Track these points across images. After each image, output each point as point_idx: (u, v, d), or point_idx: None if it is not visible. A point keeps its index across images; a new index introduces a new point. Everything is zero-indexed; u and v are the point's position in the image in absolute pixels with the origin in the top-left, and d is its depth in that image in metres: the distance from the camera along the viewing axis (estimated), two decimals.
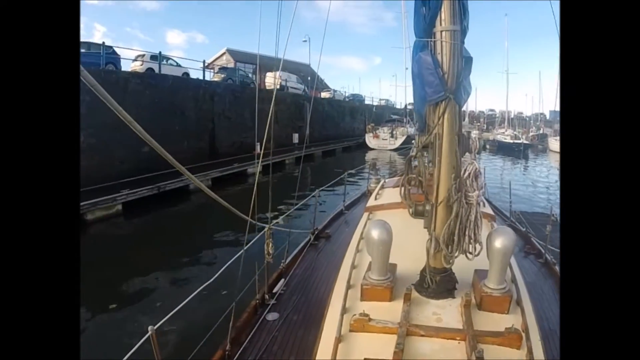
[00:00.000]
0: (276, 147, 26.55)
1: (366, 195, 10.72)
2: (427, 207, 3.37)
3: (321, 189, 8.99)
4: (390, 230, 3.43)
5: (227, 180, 19.81)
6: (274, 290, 5.09)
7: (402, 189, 3.64)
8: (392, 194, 6.69)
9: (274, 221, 5.32)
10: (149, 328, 2.74)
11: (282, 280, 5.44)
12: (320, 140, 36.15)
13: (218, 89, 24.96)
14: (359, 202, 10.22)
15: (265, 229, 4.83)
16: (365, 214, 6.07)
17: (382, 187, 7.73)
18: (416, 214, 3.46)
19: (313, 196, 8.19)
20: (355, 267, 4.12)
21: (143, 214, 14.82)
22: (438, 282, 3.41)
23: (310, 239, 7.04)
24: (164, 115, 20.06)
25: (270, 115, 4.02)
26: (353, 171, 14.30)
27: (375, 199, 6.87)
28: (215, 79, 28.25)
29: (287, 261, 6.00)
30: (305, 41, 46.36)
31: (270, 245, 4.80)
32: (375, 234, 3.38)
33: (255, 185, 4.10)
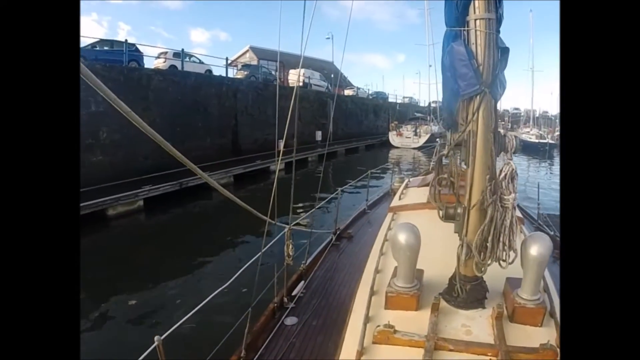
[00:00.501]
0: (299, 144, 26.45)
1: (389, 194, 10.50)
2: (459, 210, 3.10)
3: (343, 187, 8.80)
4: (418, 234, 3.17)
5: (250, 177, 19.74)
6: (294, 293, 4.90)
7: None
8: (417, 194, 6.58)
9: (295, 222, 5.09)
10: (155, 338, 2.60)
11: (302, 282, 5.25)
12: (343, 138, 35.97)
13: (241, 86, 24.86)
14: (382, 202, 10.04)
15: (286, 230, 4.63)
16: (389, 215, 5.75)
17: (407, 187, 7.50)
18: (446, 218, 3.18)
19: (335, 195, 8.01)
20: (379, 271, 3.86)
21: (164, 210, 14.80)
22: (468, 291, 3.15)
23: (332, 239, 6.86)
24: (187, 112, 20.11)
25: (290, 111, 3.82)
26: (376, 170, 14.02)
27: (400, 198, 6.61)
28: (239, 76, 28.20)
29: (308, 262, 5.80)
30: (328, 38, 46.33)
31: (290, 247, 4.61)
32: (402, 237, 3.13)
33: (275, 183, 3.91)
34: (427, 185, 6.40)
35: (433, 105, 52.99)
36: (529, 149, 42.33)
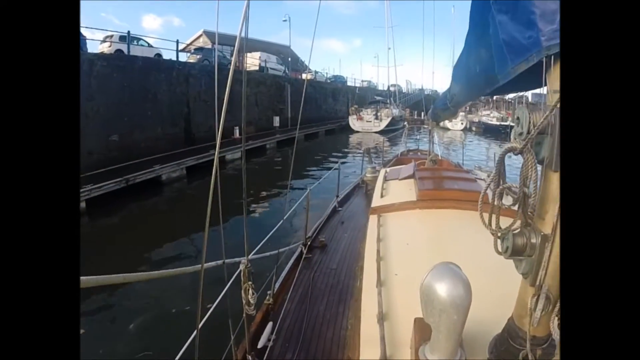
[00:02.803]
0: (257, 130, 25.78)
1: (360, 186, 9.92)
2: (534, 240, 1.84)
3: (311, 187, 7.24)
4: (467, 282, 1.97)
5: (204, 168, 18.02)
6: (260, 345, 3.79)
7: (492, 203, 1.93)
8: (400, 189, 5.52)
9: (254, 251, 3.91)
10: None
11: (270, 324, 4.11)
12: (302, 123, 34.74)
13: (193, 71, 23.47)
14: (354, 196, 9.31)
15: (241, 268, 3.19)
16: (373, 218, 4.49)
17: (385, 179, 6.28)
18: (513, 253, 1.84)
19: (294, 194, 6.73)
20: (385, 318, 2.61)
21: (108, 212, 12.98)
22: (539, 358, 1.99)
23: (302, 251, 5.76)
24: (134, 100, 18.64)
25: (222, 99, 2.69)
26: (339, 155, 13.28)
27: (382, 196, 5.38)
28: (191, 60, 26.83)
29: (276, 289, 4.63)
30: (285, 21, 45.47)
31: (251, 292, 3.14)
32: (443, 290, 1.94)
33: (211, 192, 2.76)
34: (410, 177, 5.78)
35: (392, 88, 53.12)
36: (490, 132, 43.89)
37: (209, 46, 35.52)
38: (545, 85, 1.72)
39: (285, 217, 5.12)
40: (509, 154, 1.78)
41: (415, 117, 50.47)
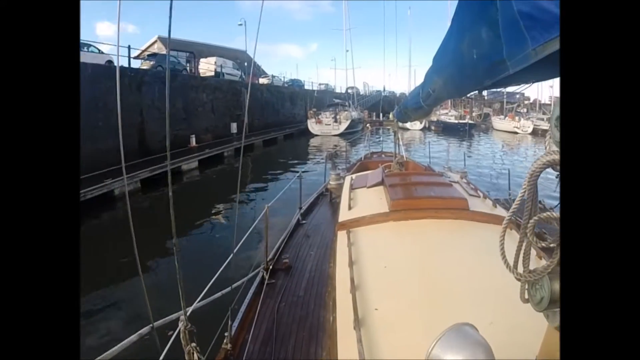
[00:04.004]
0: (214, 138, 25.19)
1: (324, 194, 9.49)
2: None
3: (270, 203, 6.40)
4: (490, 351, 1.63)
5: (159, 180, 17.32)
6: None
7: (521, 239, 1.56)
8: (369, 198, 5.11)
9: (197, 302, 3.29)
10: None
11: None
12: (260, 128, 34.83)
13: (146, 77, 22.56)
14: (318, 206, 8.81)
15: (180, 328, 2.58)
16: (341, 234, 4.09)
17: (352, 188, 5.80)
18: (551, 303, 1.45)
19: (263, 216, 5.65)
20: None
21: None
22: None
23: (264, 277, 5.06)
24: (83, 110, 17.64)
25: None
26: (299, 162, 12.78)
27: (350, 207, 4.89)
28: (144, 67, 26.02)
29: (235, 329, 3.91)
30: (241, 25, 44.92)
31: (196, 357, 2.51)
32: None
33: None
34: (379, 184, 5.41)
35: (350, 91, 53.36)
36: (449, 130, 44.83)
37: (164, 52, 34.71)
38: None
39: (235, 251, 4.07)
40: (546, 170, 1.36)
41: (374, 118, 50.91)
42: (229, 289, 4.14)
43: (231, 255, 4.03)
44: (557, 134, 1.23)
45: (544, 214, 1.45)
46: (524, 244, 1.53)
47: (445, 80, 2.86)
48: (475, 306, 2.60)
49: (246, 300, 4.56)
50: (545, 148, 1.33)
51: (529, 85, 2.21)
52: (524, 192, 1.38)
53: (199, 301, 3.45)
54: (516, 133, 47.51)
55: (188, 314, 2.67)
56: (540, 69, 1.59)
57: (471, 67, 2.06)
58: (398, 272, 3.18)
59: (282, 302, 4.55)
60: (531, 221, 1.45)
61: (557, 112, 1.21)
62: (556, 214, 1.37)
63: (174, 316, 2.82)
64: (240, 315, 4.23)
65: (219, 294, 4.01)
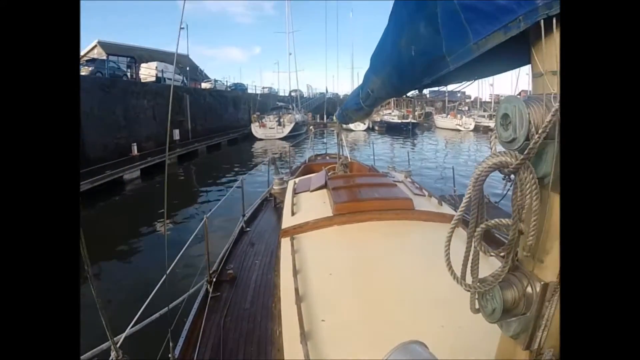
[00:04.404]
0: (156, 146, 24.71)
1: (268, 199, 9.24)
2: (530, 291, 1.40)
3: (211, 212, 6.40)
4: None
5: (100, 192, 16.75)
6: None
7: (468, 249, 1.44)
8: (312, 202, 4.99)
9: (123, 334, 3.07)
10: None
11: None
12: (203, 134, 34.38)
13: (85, 84, 21.90)
14: (262, 212, 8.50)
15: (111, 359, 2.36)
16: (285, 241, 3.93)
17: (295, 192, 5.68)
18: (504, 314, 1.39)
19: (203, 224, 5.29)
20: None
21: None
22: None
23: (207, 290, 4.77)
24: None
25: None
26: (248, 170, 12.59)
27: (293, 213, 4.74)
28: (83, 73, 25.38)
29: (177, 352, 3.65)
30: (183, 28, 44.21)
31: None
32: None
33: None
34: (323, 187, 5.38)
35: (294, 93, 53.55)
36: (393, 129, 45.73)
37: (104, 57, 33.92)
38: (531, 64, 1.31)
39: (168, 271, 3.69)
40: (493, 174, 1.28)
41: (318, 120, 51.27)
42: (166, 309, 3.90)
43: (164, 276, 3.76)
44: (503, 134, 1.22)
45: (492, 221, 1.36)
46: (472, 253, 1.41)
47: (384, 80, 2.77)
48: (424, 310, 2.58)
49: (190, 317, 4.30)
50: (491, 149, 1.26)
51: (470, 82, 2.13)
52: (469, 197, 1.28)
53: (133, 326, 3.35)
54: (459, 130, 49.48)
55: (120, 342, 2.60)
56: (482, 65, 1.58)
57: (409, 64, 1.98)
58: (344, 279, 3.11)
59: (228, 316, 4.27)
60: (478, 229, 1.36)
61: (502, 110, 1.21)
62: (506, 220, 1.33)
63: (104, 346, 2.67)
64: (185, 333, 3.97)
65: (157, 315, 4.00)
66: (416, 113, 55.64)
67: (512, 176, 1.27)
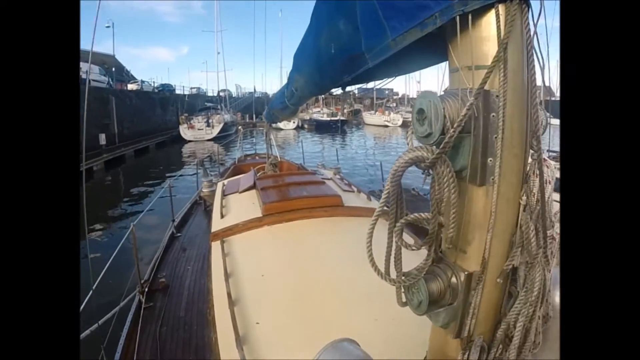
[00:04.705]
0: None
1: (198, 203, 8.83)
2: (455, 281, 1.43)
3: (138, 219, 6.57)
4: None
5: None
6: None
7: (390, 245, 1.41)
8: (242, 204, 4.95)
9: None
10: None
11: None
12: (131, 137, 33.34)
13: None
14: (192, 216, 8.08)
15: None
16: (215, 245, 3.87)
17: (224, 194, 5.56)
18: (431, 305, 1.41)
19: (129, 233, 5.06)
20: None
21: None
22: None
23: (140, 300, 4.48)
24: None
25: None
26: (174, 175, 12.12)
27: (222, 216, 4.65)
28: None
29: None
30: (108, 27, 43.04)
31: None
32: None
33: None
34: (251, 188, 5.36)
35: (222, 93, 53.10)
36: (322, 128, 46.09)
37: None
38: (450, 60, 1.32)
39: (94, 286, 3.64)
40: (411, 168, 1.26)
41: (247, 120, 51.12)
42: (96, 325, 3.95)
43: (90, 292, 3.66)
44: (420, 129, 1.21)
45: (412, 216, 1.36)
46: (394, 247, 1.39)
47: (306, 78, 2.76)
48: (358, 305, 2.59)
49: (125, 331, 4.04)
50: (408, 144, 1.25)
51: (391, 79, 2.16)
52: (388, 193, 1.25)
53: None
54: (387, 126, 50.88)
55: None
56: (402, 61, 1.58)
57: (330, 62, 1.98)
58: (276, 279, 3.08)
59: (164, 326, 4.01)
60: (398, 224, 1.33)
61: (418, 106, 1.20)
62: (426, 214, 1.34)
63: None
64: (120, 348, 3.76)
65: (87, 332, 3.91)
66: (345, 110, 56.46)
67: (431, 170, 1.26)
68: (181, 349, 3.58)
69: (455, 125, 1.15)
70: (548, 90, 1.71)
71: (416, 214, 1.37)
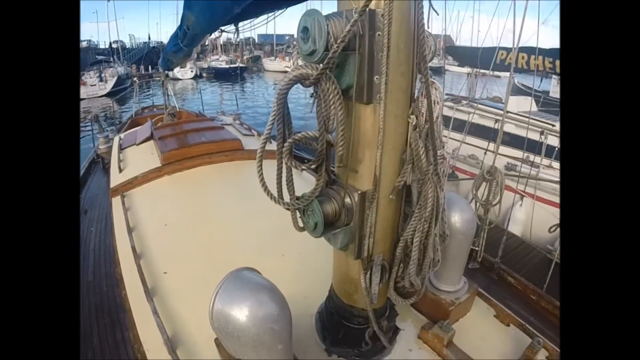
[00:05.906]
0: None
1: (96, 161, 8.42)
2: (349, 201, 1.45)
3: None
4: (280, 296, 1.45)
5: None
6: None
7: (279, 166, 1.40)
8: (141, 156, 4.82)
9: None
10: None
11: None
12: None
13: None
14: (90, 175, 7.68)
15: None
16: (116, 200, 3.75)
17: (121, 149, 5.40)
18: (326, 227, 1.44)
19: None
20: (174, 345, 2.04)
21: None
22: (386, 330, 1.85)
23: None
24: None
25: None
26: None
27: (121, 170, 4.51)
28: None
29: None
30: None
31: None
32: (245, 317, 1.34)
33: None
34: (149, 139, 5.26)
35: (115, 45, 50.52)
36: (221, 76, 45.17)
37: None
38: None
39: None
40: (295, 86, 1.23)
41: (143, 72, 49.24)
42: None
43: None
44: (304, 47, 1.20)
45: (299, 135, 1.32)
46: (284, 170, 1.36)
47: (197, 14, 2.74)
48: (264, 243, 2.62)
49: None
50: (293, 64, 1.77)
51: (281, 11, 2.22)
52: (275, 114, 1.23)
53: None
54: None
55: None
56: None
57: None
58: (180, 228, 3.06)
59: None
60: (285, 144, 1.30)
61: (302, 24, 1.21)
62: (313, 132, 1.31)
63: None
64: None
65: None
66: (245, 57, 55.58)
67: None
68: (94, 314, 3.42)
69: (339, 41, 1.13)
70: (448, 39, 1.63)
71: (303, 132, 1.34)
